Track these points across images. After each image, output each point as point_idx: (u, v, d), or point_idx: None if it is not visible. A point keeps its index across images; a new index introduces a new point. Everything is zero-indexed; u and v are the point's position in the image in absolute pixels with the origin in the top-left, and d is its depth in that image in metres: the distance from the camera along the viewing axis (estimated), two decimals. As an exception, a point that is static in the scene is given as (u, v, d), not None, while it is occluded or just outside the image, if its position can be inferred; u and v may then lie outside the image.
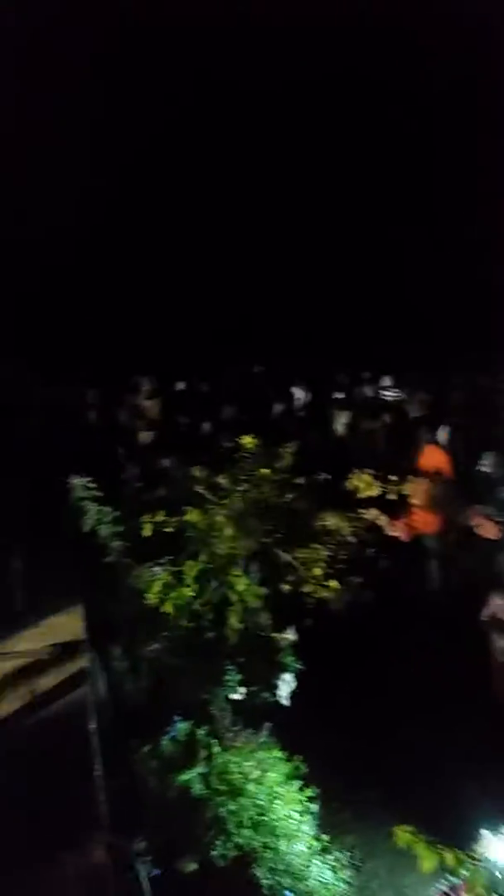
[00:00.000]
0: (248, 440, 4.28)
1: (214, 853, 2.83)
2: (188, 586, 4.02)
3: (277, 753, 3.27)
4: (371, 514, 4.14)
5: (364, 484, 4.18)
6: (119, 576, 4.15)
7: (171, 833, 2.97)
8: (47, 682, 3.33)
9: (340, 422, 6.66)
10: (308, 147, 8.49)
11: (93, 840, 2.47)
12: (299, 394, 7.66)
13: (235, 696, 3.51)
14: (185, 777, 3.08)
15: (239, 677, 3.57)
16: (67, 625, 3.89)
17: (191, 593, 3.99)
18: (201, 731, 3.34)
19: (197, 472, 4.56)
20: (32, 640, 3.73)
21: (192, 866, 2.86)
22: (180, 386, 7.01)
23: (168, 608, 3.99)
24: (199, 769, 3.12)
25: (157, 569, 4.17)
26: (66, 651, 3.57)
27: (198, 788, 3.07)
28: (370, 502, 4.22)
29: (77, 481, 4.02)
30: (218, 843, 2.86)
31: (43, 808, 2.58)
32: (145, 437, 5.47)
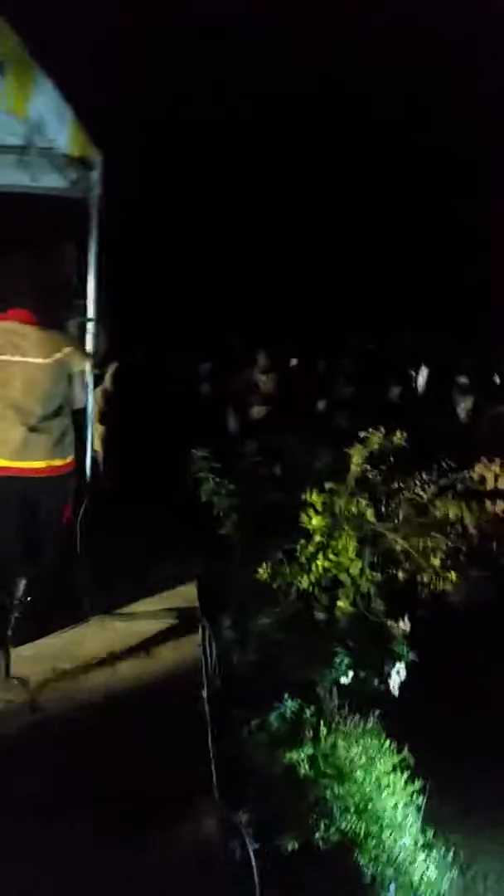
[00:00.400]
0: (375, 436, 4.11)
1: (317, 835, 2.82)
2: (300, 565, 4.03)
3: (385, 742, 3.21)
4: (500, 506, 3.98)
5: (491, 474, 4.02)
6: (232, 549, 4.21)
7: (274, 809, 2.98)
8: (162, 646, 3.41)
9: (464, 406, 6.43)
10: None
11: (202, 807, 2.50)
12: (420, 374, 7.46)
13: (344, 680, 3.48)
14: (291, 755, 3.08)
15: (348, 661, 3.53)
16: (184, 592, 4.00)
17: (303, 572, 4.00)
18: (309, 711, 3.33)
19: (314, 450, 4.54)
20: (147, 602, 3.85)
21: (293, 845, 2.86)
22: (299, 362, 7.00)
23: (279, 585, 4.03)
24: (307, 749, 3.12)
25: (270, 545, 4.21)
26: (180, 617, 3.66)
27: (304, 768, 3.06)
28: (497, 493, 4.05)
29: (198, 453, 4.09)
30: (321, 825, 2.85)
31: (155, 770, 2.64)
32: (263, 412, 5.50)
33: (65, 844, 2.29)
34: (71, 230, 4.71)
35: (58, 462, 3.30)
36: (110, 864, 2.25)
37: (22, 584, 3.34)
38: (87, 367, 3.48)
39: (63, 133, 3.53)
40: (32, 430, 3.20)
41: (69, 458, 3.38)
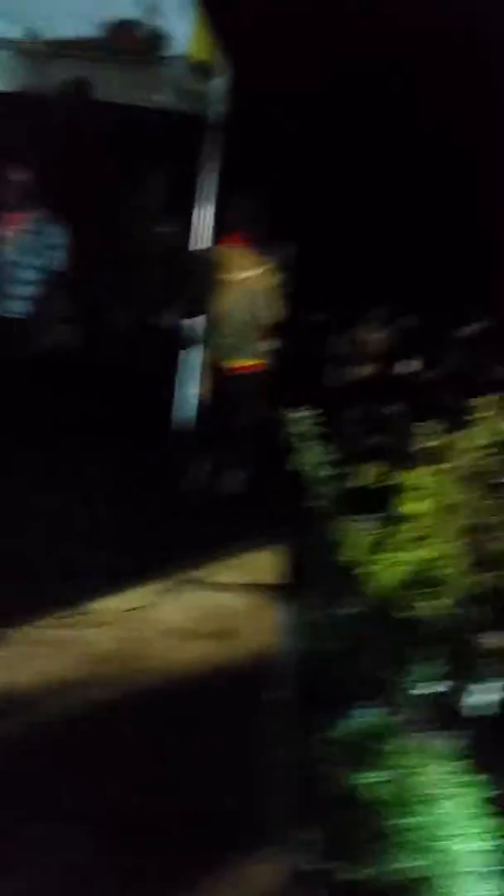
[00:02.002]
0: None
1: (379, 868, 2.59)
2: (397, 552, 3.70)
3: (470, 774, 2.92)
4: None
5: None
6: (323, 523, 3.91)
7: (337, 830, 2.76)
8: (240, 625, 3.18)
9: None
10: None
11: (263, 821, 2.29)
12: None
13: (431, 691, 3.18)
14: (362, 777, 2.83)
15: (438, 670, 3.22)
16: (264, 564, 3.74)
17: (398, 561, 3.67)
18: (386, 723, 3.05)
19: (424, 425, 4.13)
20: (230, 574, 3.62)
21: (353, 874, 2.63)
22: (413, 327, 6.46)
23: (370, 570, 3.72)
24: (380, 771, 2.85)
25: (364, 524, 3.89)
26: (262, 595, 3.42)
27: (375, 792, 2.81)
28: None
29: (299, 415, 3.74)
30: (387, 856, 2.61)
31: (215, 769, 2.44)
32: (370, 376, 5.08)
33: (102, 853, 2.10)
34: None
35: (257, 361, 4.21)
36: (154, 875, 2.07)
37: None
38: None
39: (186, 28, 3.13)
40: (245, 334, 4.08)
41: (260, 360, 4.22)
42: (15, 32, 3.76)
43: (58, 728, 2.50)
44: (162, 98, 4.13)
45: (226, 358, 4.21)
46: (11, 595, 3.06)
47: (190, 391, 4.59)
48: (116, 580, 3.31)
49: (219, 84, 4.12)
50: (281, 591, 3.50)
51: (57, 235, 4.30)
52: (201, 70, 3.94)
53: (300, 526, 3.92)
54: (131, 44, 3.85)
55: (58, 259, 4.31)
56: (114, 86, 4.12)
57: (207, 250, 4.33)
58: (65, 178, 4.74)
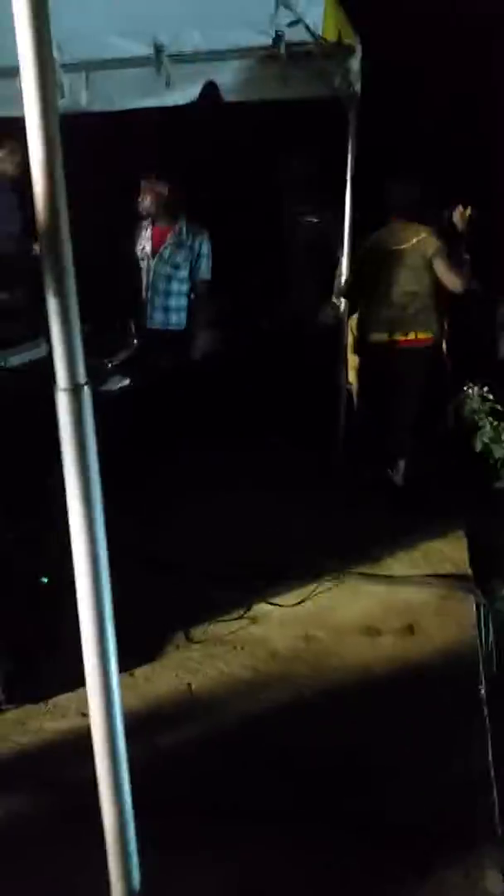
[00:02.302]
0: None
1: None
2: None
3: None
4: None
5: None
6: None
7: None
8: (428, 621, 2.94)
9: None
10: None
11: (476, 836, 2.04)
12: None
13: None
14: None
15: None
16: (448, 554, 3.47)
17: None
18: None
19: None
20: (409, 565, 3.39)
21: None
22: None
23: None
24: None
25: None
26: (449, 586, 3.16)
27: None
28: None
29: (474, 390, 3.45)
30: None
31: (416, 780, 2.23)
32: None
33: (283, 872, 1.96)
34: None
35: (421, 335, 3.98)
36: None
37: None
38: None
39: (316, 7, 2.97)
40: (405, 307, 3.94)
41: (429, 333, 4.00)
42: (142, 50, 3.81)
43: (244, 729, 2.41)
44: (298, 86, 4.00)
45: (392, 333, 4.00)
46: (188, 596, 3.06)
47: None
48: (295, 577, 3.19)
49: (356, 65, 3.94)
50: (468, 582, 3.21)
51: (204, 244, 4.29)
52: (337, 52, 3.79)
53: (485, 510, 3.60)
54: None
55: (206, 268, 4.33)
56: (246, 84, 4.04)
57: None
58: (206, 185, 4.81)
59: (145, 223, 4.33)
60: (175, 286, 4.29)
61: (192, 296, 4.34)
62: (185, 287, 4.31)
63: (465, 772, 2.22)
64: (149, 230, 4.31)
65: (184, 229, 4.27)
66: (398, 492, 4.02)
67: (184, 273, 4.28)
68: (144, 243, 4.30)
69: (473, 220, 3.92)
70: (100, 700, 1.52)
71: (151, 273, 4.28)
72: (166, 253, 4.26)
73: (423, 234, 3.89)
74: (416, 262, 3.90)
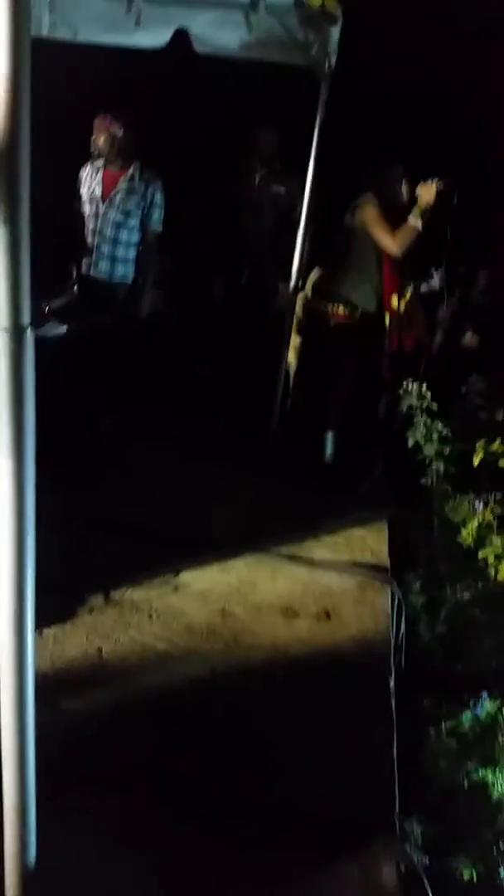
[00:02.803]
0: None
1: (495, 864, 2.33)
2: (515, 535, 3.38)
3: None
4: None
5: None
6: (433, 502, 3.62)
7: (456, 827, 2.51)
8: (344, 606, 2.95)
9: None
10: None
11: (374, 814, 2.07)
12: None
13: None
14: (483, 773, 2.56)
15: None
16: (369, 542, 3.50)
17: (517, 544, 3.35)
18: (507, 717, 2.76)
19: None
20: (331, 550, 3.39)
21: (471, 872, 2.38)
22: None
23: (486, 555, 3.42)
24: (499, 767, 2.58)
25: (478, 504, 3.58)
26: (367, 574, 3.18)
27: (498, 789, 2.54)
28: None
29: (412, 387, 3.46)
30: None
31: (324, 760, 2.23)
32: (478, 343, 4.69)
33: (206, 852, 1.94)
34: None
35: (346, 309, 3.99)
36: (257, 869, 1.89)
37: None
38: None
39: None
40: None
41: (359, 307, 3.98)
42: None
43: (151, 701, 2.36)
44: (272, 49, 3.86)
45: (326, 304, 4.03)
46: (110, 559, 2.96)
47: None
48: (216, 551, 3.14)
49: (335, 34, 3.83)
50: (388, 572, 3.25)
51: (158, 193, 4.05)
52: (318, 19, 3.67)
53: (411, 503, 3.65)
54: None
55: (158, 218, 4.09)
56: (219, 37, 3.87)
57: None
58: (165, 134, 4.59)
59: (97, 164, 4.07)
60: (124, 235, 4.02)
61: (141, 248, 4.11)
62: (134, 237, 4.05)
63: (368, 763, 2.24)
64: (100, 173, 4.05)
65: (136, 175, 4.02)
66: (325, 470, 4.02)
67: (134, 222, 4.02)
68: (94, 186, 4.04)
69: (443, 196, 3.81)
70: (12, 662, 1.42)
71: (100, 219, 4.01)
72: (117, 198, 3.99)
73: (366, 203, 3.88)
74: (355, 232, 3.89)
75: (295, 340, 4.49)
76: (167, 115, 4.72)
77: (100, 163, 4.07)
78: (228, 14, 3.84)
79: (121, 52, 3.73)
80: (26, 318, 1.32)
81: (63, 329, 3.41)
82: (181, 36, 3.85)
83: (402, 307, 3.96)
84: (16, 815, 1.48)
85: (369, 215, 3.84)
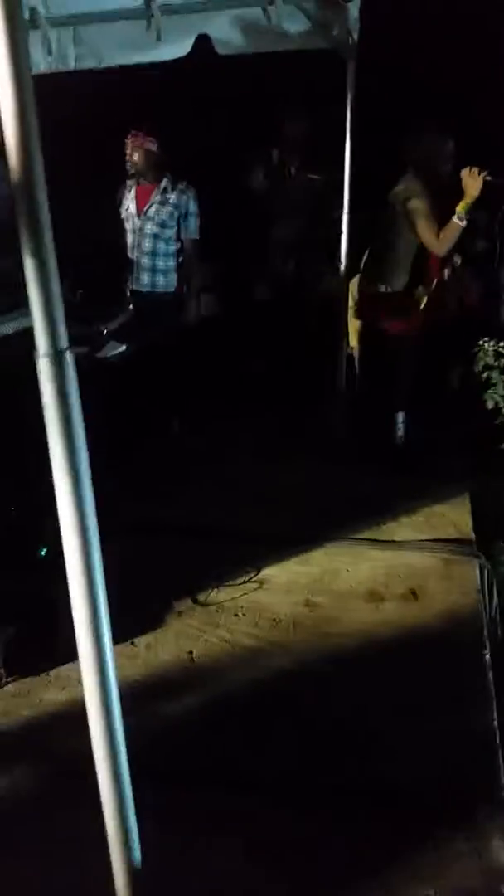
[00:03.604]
0: None
1: None
2: None
3: None
4: None
5: None
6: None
7: None
8: (432, 586, 2.91)
9: None
10: None
11: (483, 805, 2.03)
12: None
13: None
14: None
15: None
16: (451, 518, 3.43)
17: None
18: None
19: None
20: (412, 530, 3.35)
21: None
22: None
23: None
24: None
25: None
26: (453, 551, 3.12)
27: None
28: None
29: (488, 344, 3.36)
30: None
31: (423, 749, 2.21)
32: None
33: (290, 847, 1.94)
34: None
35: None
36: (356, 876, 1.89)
37: None
38: None
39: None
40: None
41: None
42: (131, 2, 3.64)
43: (244, 698, 2.40)
44: (294, 38, 3.85)
45: (377, 285, 3.94)
46: (192, 563, 3.03)
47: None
48: (297, 544, 3.16)
49: (354, 12, 3.78)
50: (471, 546, 3.17)
51: (192, 202, 4.12)
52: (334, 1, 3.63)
53: (490, 473, 3.55)
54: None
55: (194, 226, 4.15)
56: (240, 37, 3.89)
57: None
58: (196, 142, 4.64)
59: (129, 183, 4.19)
60: (162, 246, 4.12)
61: (181, 257, 4.19)
62: (171, 247, 4.14)
63: (469, 737, 2.21)
64: (133, 190, 4.17)
65: (168, 186, 4.10)
66: (398, 452, 3.96)
67: (170, 232, 4.11)
68: (129, 203, 4.17)
69: (490, 184, 3.53)
70: (93, 672, 1.48)
71: (137, 233, 4.14)
72: (151, 211, 4.10)
73: (412, 191, 3.72)
74: (400, 219, 3.76)
75: (355, 324, 4.46)
76: (194, 120, 4.78)
77: (132, 181, 4.18)
78: (246, 12, 3.86)
79: (140, 67, 3.81)
80: (63, 342, 1.38)
81: (122, 348, 3.52)
82: (203, 42, 3.91)
83: (452, 280, 3.85)
84: (116, 817, 1.55)
85: (417, 208, 3.69)
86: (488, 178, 3.47)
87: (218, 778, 2.11)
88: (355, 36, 3.86)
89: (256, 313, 4.62)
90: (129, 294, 4.09)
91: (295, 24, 3.86)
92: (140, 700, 2.38)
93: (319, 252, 4.28)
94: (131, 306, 3.89)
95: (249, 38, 3.91)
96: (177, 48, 3.92)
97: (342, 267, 4.13)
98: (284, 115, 4.37)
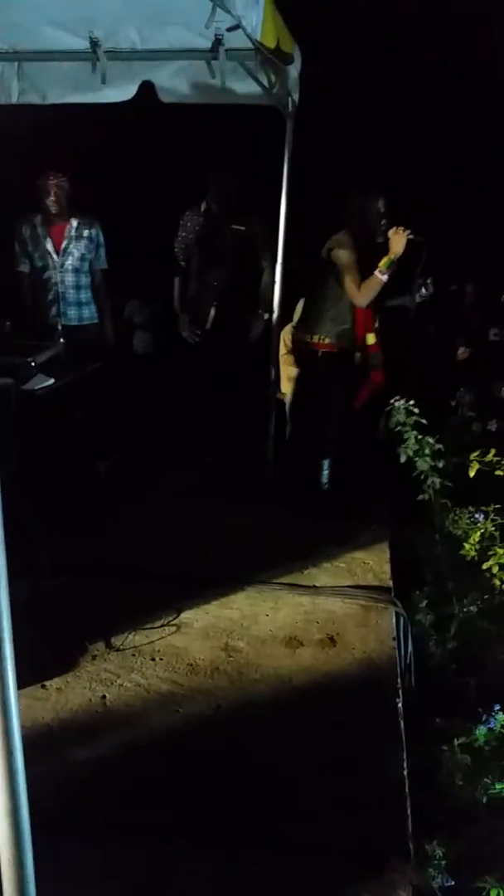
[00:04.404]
0: None
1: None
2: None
3: None
4: None
5: None
6: (433, 518, 3.61)
7: (476, 843, 2.46)
8: (349, 631, 2.93)
9: None
10: None
11: (390, 837, 2.04)
12: None
13: None
14: (501, 787, 2.52)
15: None
16: (371, 565, 3.48)
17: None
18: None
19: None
20: (332, 576, 3.38)
21: (497, 891, 2.33)
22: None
23: (490, 566, 3.40)
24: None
25: (479, 516, 3.57)
26: (371, 597, 3.16)
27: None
28: None
29: (399, 404, 3.49)
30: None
31: (336, 787, 2.21)
32: (469, 355, 4.71)
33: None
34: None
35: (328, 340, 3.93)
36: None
37: None
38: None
39: (254, 13, 2.92)
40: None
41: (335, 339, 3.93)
42: (78, 44, 3.70)
43: (157, 744, 2.34)
44: (237, 93, 3.98)
45: (312, 336, 3.98)
46: (110, 604, 2.98)
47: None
48: (217, 586, 3.14)
49: (294, 72, 3.94)
50: (391, 593, 3.23)
51: (99, 234, 4.38)
52: (276, 59, 3.77)
53: (408, 522, 3.65)
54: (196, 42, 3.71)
55: (103, 257, 4.42)
56: (183, 86, 4.00)
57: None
58: (130, 182, 4.75)
59: (36, 221, 4.35)
60: (84, 279, 4.36)
61: (98, 289, 4.45)
62: (90, 279, 4.41)
63: (379, 787, 2.21)
64: (44, 227, 4.33)
65: (78, 222, 4.34)
66: (321, 497, 4.01)
67: (87, 265, 4.38)
68: (43, 241, 4.32)
69: (414, 245, 3.74)
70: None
71: (58, 270, 4.31)
72: (70, 247, 4.31)
73: (339, 243, 3.85)
74: (329, 272, 3.88)
75: (290, 372, 4.55)
76: (129, 163, 4.88)
77: (38, 219, 4.33)
78: (191, 63, 3.97)
79: (82, 108, 3.88)
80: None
81: (50, 381, 3.48)
82: (146, 88, 4.00)
83: (375, 341, 3.96)
84: (13, 870, 1.48)
85: (341, 259, 3.80)
86: (411, 236, 3.68)
87: (125, 828, 2.04)
88: (295, 96, 4.03)
89: (190, 355, 4.66)
90: (60, 328, 4.11)
91: (238, 80, 4.00)
92: (47, 744, 2.30)
93: (246, 300, 4.36)
94: (62, 340, 3.89)
95: (193, 90, 4.03)
96: (120, 92, 4.01)
97: (275, 315, 4.23)
98: (217, 166, 4.46)
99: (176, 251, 4.52)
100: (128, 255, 4.70)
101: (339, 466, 4.00)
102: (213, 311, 4.42)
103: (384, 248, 3.78)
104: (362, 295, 3.78)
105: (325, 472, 4.01)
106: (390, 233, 3.73)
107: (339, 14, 5.26)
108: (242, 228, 4.36)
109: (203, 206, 4.43)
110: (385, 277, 3.72)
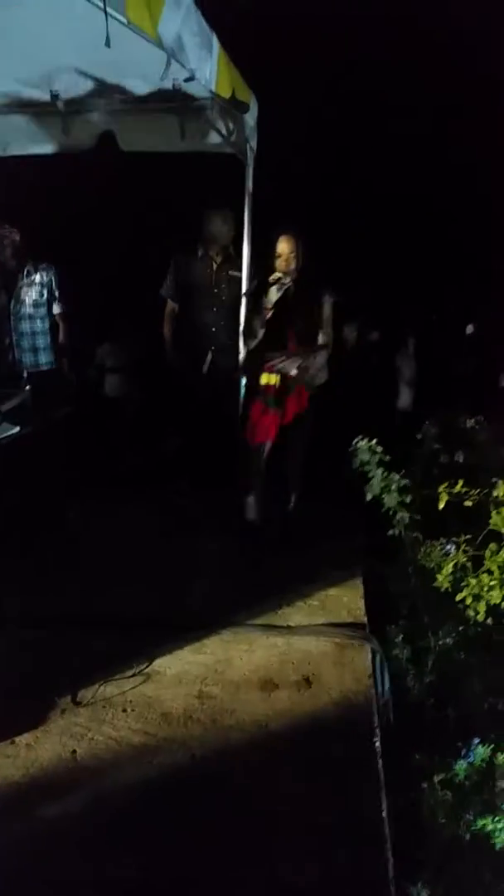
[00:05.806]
0: None
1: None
2: (489, 573, 3.37)
3: None
4: None
5: None
6: (405, 552, 3.61)
7: (460, 881, 2.42)
8: (325, 670, 2.90)
9: None
10: None
11: (374, 879, 1.99)
12: None
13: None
14: (483, 822, 2.48)
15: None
16: (345, 602, 3.46)
17: (492, 582, 3.33)
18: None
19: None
20: (307, 614, 3.35)
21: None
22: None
23: (464, 597, 3.39)
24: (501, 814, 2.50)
25: (450, 547, 3.57)
26: (345, 635, 3.13)
27: (500, 839, 2.46)
28: None
29: (362, 444, 3.50)
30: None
31: (318, 830, 2.16)
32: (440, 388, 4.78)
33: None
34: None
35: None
36: None
37: None
38: None
39: (208, 64, 2.99)
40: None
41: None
42: (39, 96, 3.78)
43: (130, 799, 2.28)
44: (196, 141, 4.07)
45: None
46: (77, 655, 2.92)
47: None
48: (189, 631, 3.10)
49: (251, 120, 4.04)
50: (366, 629, 3.21)
51: (54, 278, 4.51)
52: (232, 108, 3.86)
53: (383, 556, 3.64)
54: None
55: (59, 300, 4.55)
56: (143, 136, 4.09)
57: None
58: (92, 229, 4.84)
59: None
60: (39, 325, 4.48)
61: (52, 331, 4.57)
62: (46, 324, 4.52)
63: (359, 829, 2.17)
64: (1, 277, 4.48)
65: (30, 269, 4.49)
66: (289, 531, 3.98)
67: (43, 311, 4.50)
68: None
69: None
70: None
71: (13, 318, 4.41)
72: (21, 294, 4.45)
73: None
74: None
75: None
76: (94, 212, 4.97)
77: None
78: (150, 114, 4.05)
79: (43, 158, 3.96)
80: None
81: (15, 430, 3.46)
82: (107, 138, 4.08)
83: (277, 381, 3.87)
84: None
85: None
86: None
87: (100, 887, 1.97)
88: (253, 143, 4.12)
89: (178, 396, 4.64)
90: (26, 376, 4.12)
91: (195, 126, 4.08)
92: (18, 801, 2.23)
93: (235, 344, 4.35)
94: (27, 387, 3.89)
95: (152, 137, 4.11)
96: (81, 142, 4.10)
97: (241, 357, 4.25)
98: (213, 212, 4.43)
99: (163, 293, 4.47)
100: (98, 300, 4.76)
101: (309, 500, 4.00)
102: (210, 356, 4.40)
103: None
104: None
105: (292, 506, 4.00)
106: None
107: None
108: (238, 274, 4.36)
109: (200, 252, 4.41)
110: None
